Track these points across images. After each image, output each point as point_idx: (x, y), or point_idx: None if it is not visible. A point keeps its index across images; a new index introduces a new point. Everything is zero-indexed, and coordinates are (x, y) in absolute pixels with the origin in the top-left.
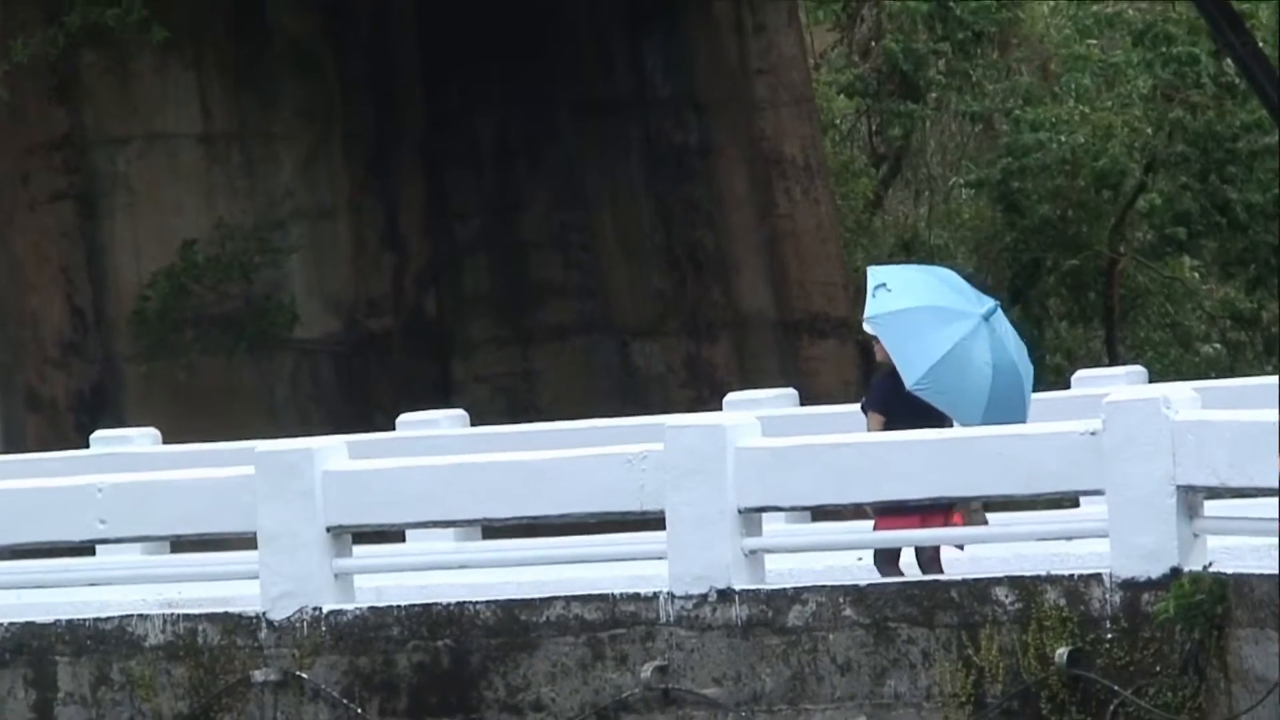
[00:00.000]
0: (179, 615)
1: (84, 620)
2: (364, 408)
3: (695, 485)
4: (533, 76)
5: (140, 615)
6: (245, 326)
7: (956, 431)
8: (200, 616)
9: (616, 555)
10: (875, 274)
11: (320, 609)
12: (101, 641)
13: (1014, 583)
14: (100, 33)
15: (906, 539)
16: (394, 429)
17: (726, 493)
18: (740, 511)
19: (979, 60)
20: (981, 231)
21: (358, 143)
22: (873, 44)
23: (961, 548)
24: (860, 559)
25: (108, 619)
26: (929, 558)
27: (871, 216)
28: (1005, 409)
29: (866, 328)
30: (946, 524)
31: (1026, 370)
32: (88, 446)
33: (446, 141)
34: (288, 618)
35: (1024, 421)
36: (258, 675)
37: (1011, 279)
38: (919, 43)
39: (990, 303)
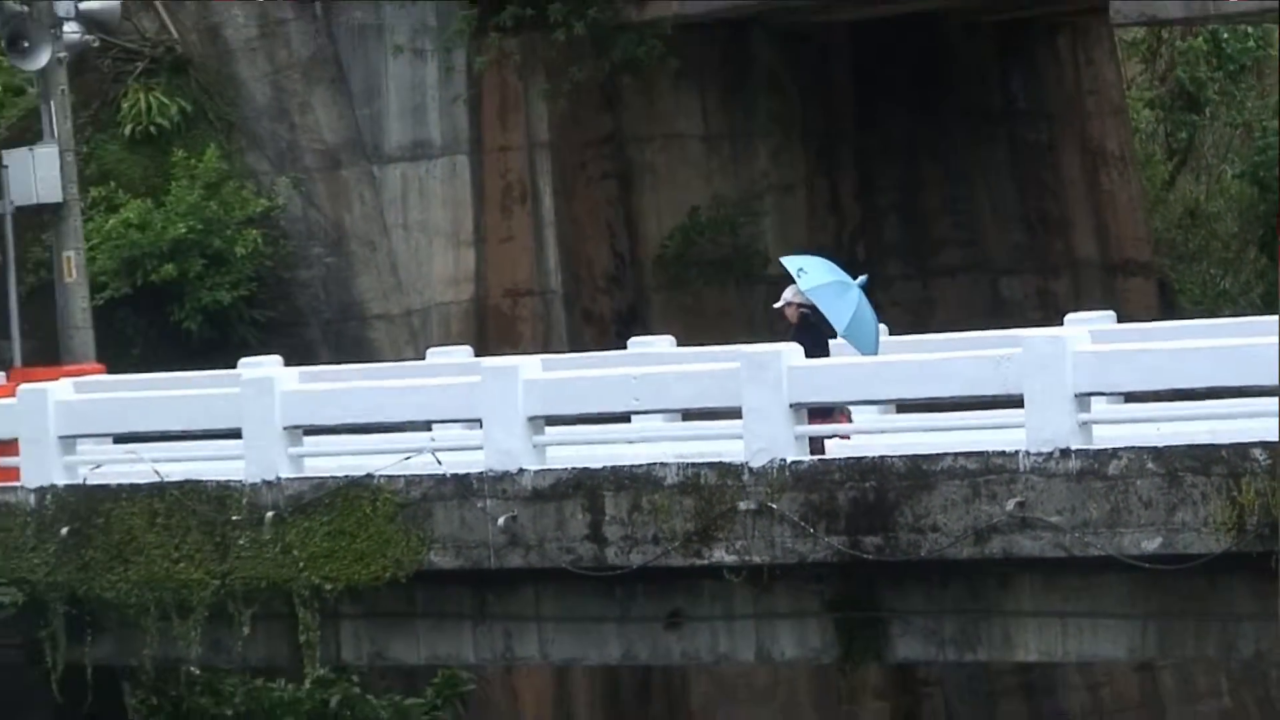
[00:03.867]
0: (688, 464)
1: (624, 466)
2: None
3: (1045, 377)
4: (933, 91)
5: (662, 463)
6: (733, 267)
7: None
8: (703, 465)
9: (988, 424)
10: (790, 261)
11: (785, 460)
12: (635, 481)
13: (1266, 446)
14: (634, 64)
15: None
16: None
17: (1066, 383)
18: (1076, 395)
19: (1242, 84)
20: (1243, 203)
21: (811, 139)
22: (1168, 73)
23: (847, 437)
24: (1159, 429)
25: (639, 466)
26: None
27: (1167, 192)
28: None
29: (798, 302)
30: (836, 420)
31: (871, 318)
32: (625, 349)
33: (871, 137)
34: (763, 466)
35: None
36: (742, 505)
37: (1260, 236)
38: (1200, 73)
39: (861, 279)
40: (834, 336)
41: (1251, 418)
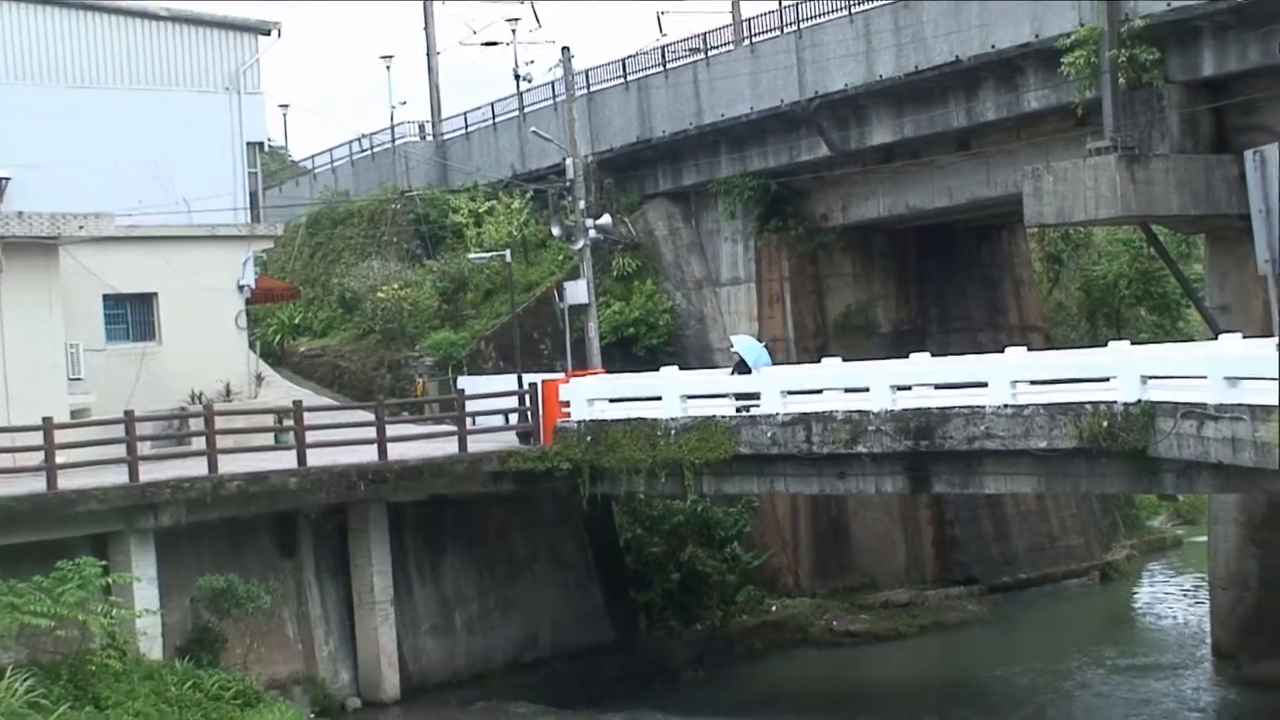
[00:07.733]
0: (847, 409)
1: (820, 410)
2: (917, 347)
3: (996, 373)
4: (949, 252)
5: (834, 410)
6: (865, 330)
7: None
8: (853, 410)
9: (975, 394)
10: (733, 337)
11: (888, 408)
12: (824, 417)
13: (1093, 403)
14: (824, 245)
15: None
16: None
17: (1005, 376)
18: (1010, 381)
19: (1079, 250)
20: (1081, 301)
21: (898, 274)
22: (1048, 246)
23: (759, 405)
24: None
25: (826, 410)
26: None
27: (1049, 296)
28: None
29: (736, 351)
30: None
31: (766, 358)
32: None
33: (924, 273)
34: (878, 410)
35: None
36: (870, 427)
37: (1088, 316)
38: (1060, 246)
39: (764, 343)
40: (747, 369)
41: (1089, 391)
